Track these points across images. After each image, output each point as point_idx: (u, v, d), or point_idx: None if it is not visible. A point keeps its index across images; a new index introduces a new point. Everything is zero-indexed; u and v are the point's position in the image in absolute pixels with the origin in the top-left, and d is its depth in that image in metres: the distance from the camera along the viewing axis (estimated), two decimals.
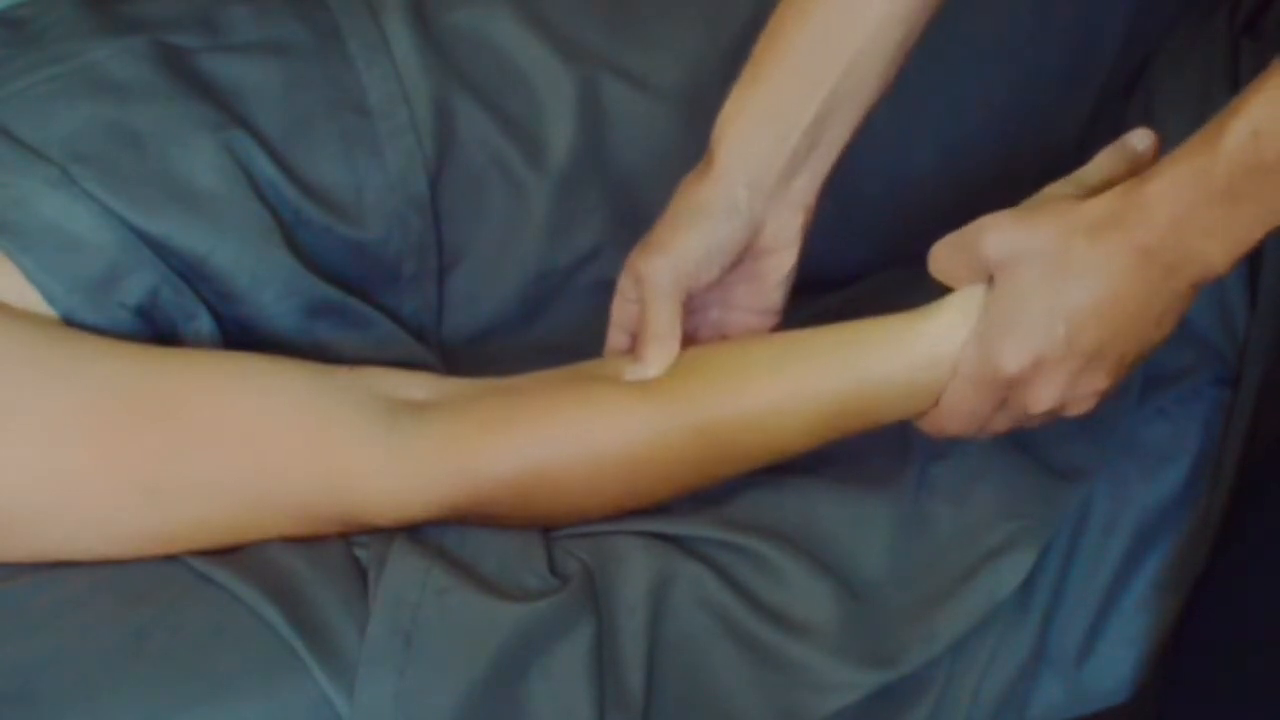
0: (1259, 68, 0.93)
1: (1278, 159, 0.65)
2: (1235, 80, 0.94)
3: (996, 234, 0.73)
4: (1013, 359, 0.72)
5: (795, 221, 0.81)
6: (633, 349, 0.81)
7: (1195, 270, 0.68)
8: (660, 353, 0.78)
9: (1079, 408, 0.73)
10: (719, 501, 0.81)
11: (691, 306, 0.81)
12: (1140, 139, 0.76)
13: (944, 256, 0.76)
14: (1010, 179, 0.99)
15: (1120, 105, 1.01)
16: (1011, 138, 0.99)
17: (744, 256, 0.81)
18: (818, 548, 0.80)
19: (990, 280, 0.74)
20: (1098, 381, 0.72)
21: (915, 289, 0.90)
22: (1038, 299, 0.71)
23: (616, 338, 0.83)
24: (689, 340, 0.81)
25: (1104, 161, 0.76)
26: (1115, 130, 1.00)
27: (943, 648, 0.79)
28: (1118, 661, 0.85)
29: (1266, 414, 0.86)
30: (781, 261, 0.82)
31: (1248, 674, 0.78)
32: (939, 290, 0.77)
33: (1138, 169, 0.73)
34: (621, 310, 0.82)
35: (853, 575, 0.80)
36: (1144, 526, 0.85)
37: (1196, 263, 0.68)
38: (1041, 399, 0.72)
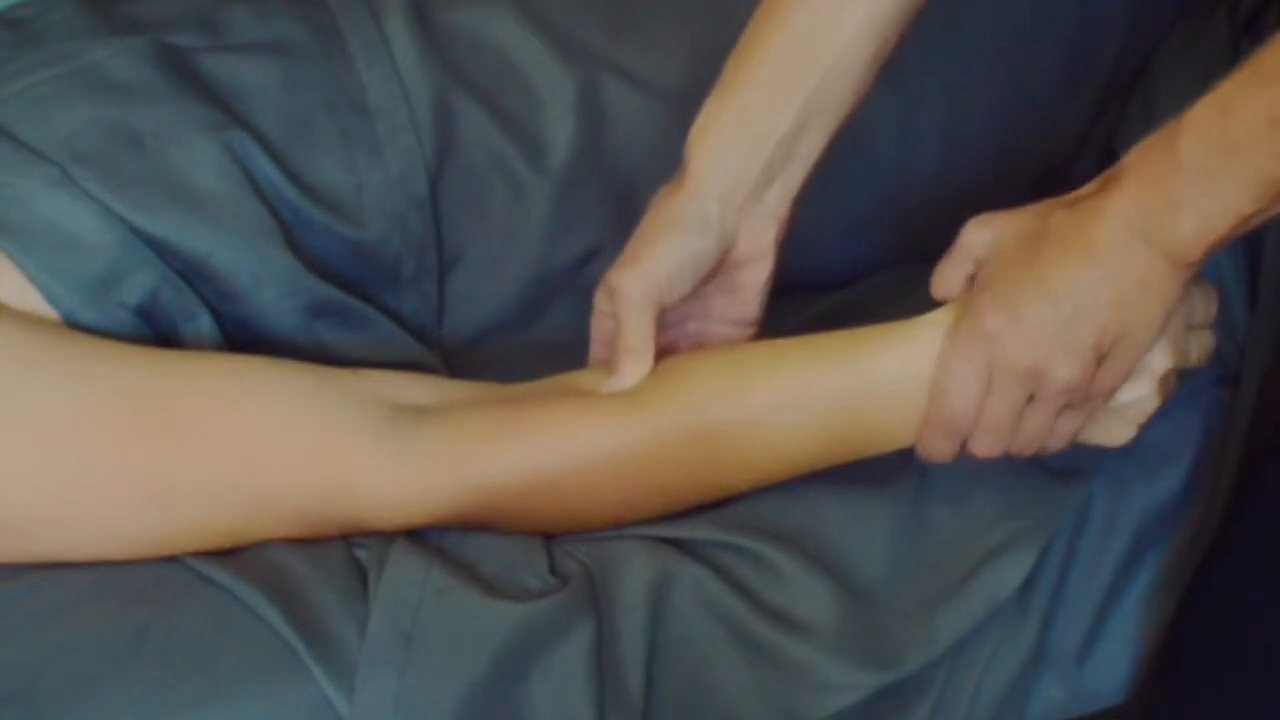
0: None
1: (1245, 136, 0.65)
2: None
3: (981, 226, 0.74)
4: (991, 313, 0.72)
5: (769, 234, 0.81)
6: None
7: (1167, 242, 0.69)
8: (634, 365, 0.79)
9: (1066, 369, 0.72)
10: (719, 502, 0.81)
11: (669, 319, 0.81)
12: None
13: (940, 271, 0.77)
14: (1010, 179, 0.99)
15: (1120, 105, 1.01)
16: (1011, 138, 0.99)
17: (719, 269, 0.81)
18: (818, 548, 0.80)
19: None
20: (1078, 355, 0.72)
21: (915, 289, 0.90)
22: (1017, 262, 0.72)
23: (598, 351, 0.83)
24: (668, 352, 0.81)
25: None
26: (1115, 130, 1.00)
27: (943, 648, 0.79)
28: (1117, 662, 0.84)
29: (1266, 414, 0.86)
30: (757, 273, 0.82)
31: (1245, 674, 0.78)
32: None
33: None
34: (599, 324, 0.82)
35: (853, 576, 0.80)
36: (1144, 526, 0.85)
37: (1167, 234, 0.68)
38: (1022, 354, 0.72)
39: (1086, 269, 0.70)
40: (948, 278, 0.76)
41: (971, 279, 0.75)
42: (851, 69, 0.79)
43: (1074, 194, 0.72)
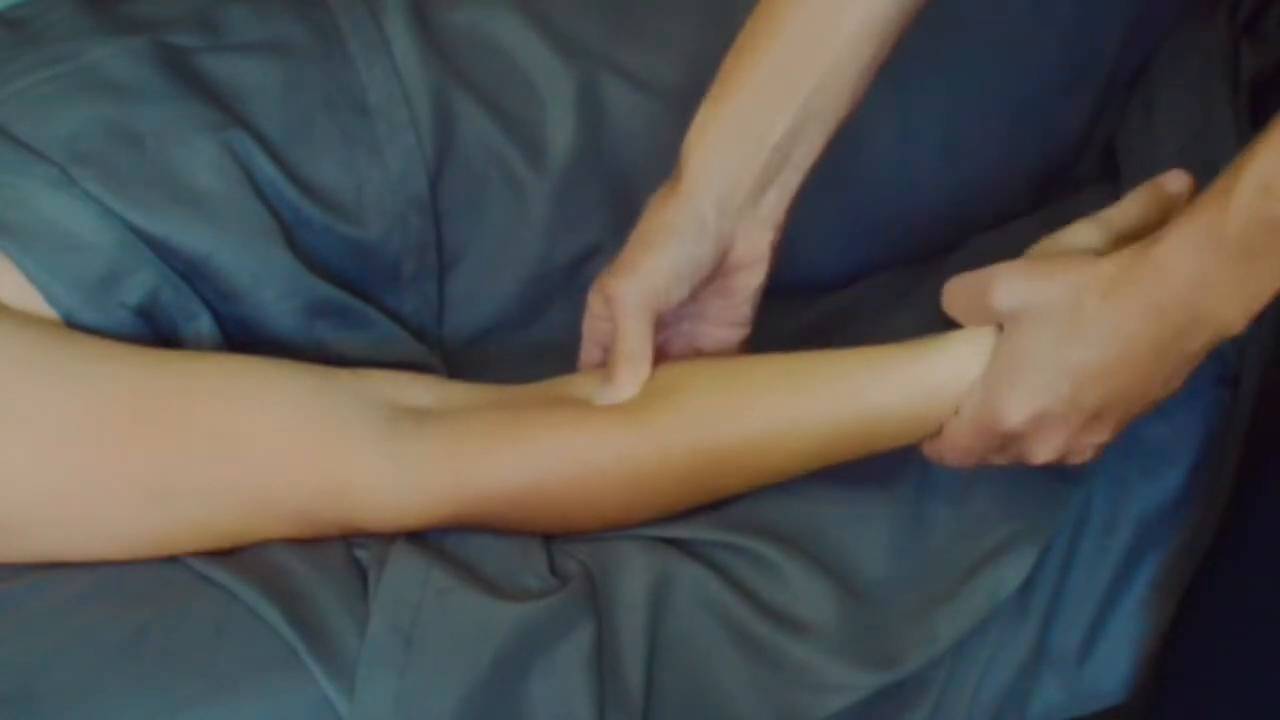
0: (1259, 68, 0.94)
1: None
2: (1235, 80, 0.94)
3: (1008, 286, 0.72)
4: (1015, 412, 0.72)
5: (765, 239, 0.80)
6: (604, 366, 0.81)
7: (1209, 333, 0.68)
8: (632, 374, 0.78)
9: (1078, 459, 0.74)
10: (719, 502, 0.81)
11: (663, 321, 0.81)
12: (1174, 181, 0.75)
13: (956, 295, 0.76)
14: (1010, 179, 0.99)
15: (1120, 105, 1.01)
16: (1011, 138, 0.99)
17: (715, 273, 0.80)
18: (818, 548, 0.80)
19: (1000, 328, 0.74)
20: (1099, 436, 0.73)
21: (914, 290, 0.90)
22: (1045, 355, 0.71)
23: (590, 353, 0.83)
24: (661, 354, 0.81)
25: (1134, 203, 0.76)
26: (1115, 130, 1.01)
27: (943, 648, 0.79)
28: (1118, 661, 0.85)
29: (1266, 414, 0.86)
30: (751, 278, 0.81)
31: (1244, 674, 0.78)
32: (938, 293, 0.77)
33: (1170, 210, 0.72)
34: (593, 327, 0.82)
35: (853, 575, 0.80)
36: (1144, 526, 0.85)
37: (1211, 325, 0.68)
38: (1040, 452, 0.73)
39: (1117, 375, 0.70)
40: (966, 307, 0.75)
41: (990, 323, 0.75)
42: (850, 71, 0.78)
43: (1107, 271, 0.69)
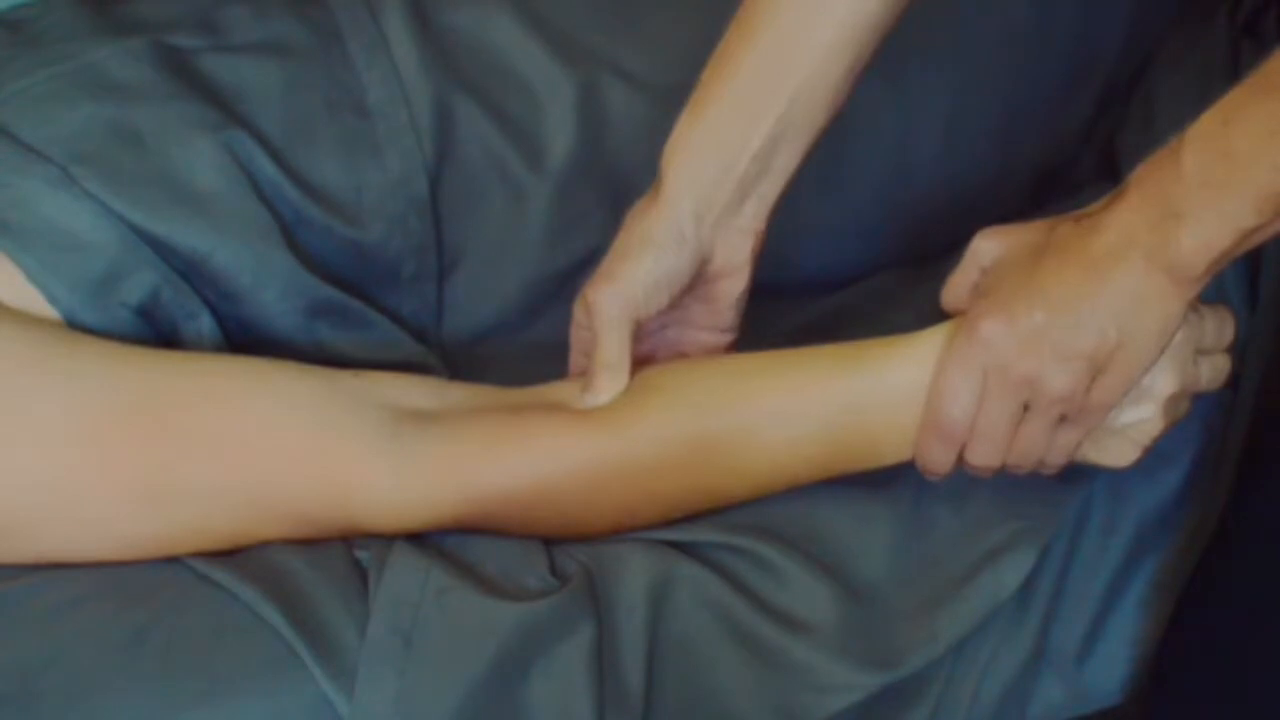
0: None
1: (1245, 148, 0.65)
2: (1235, 80, 0.94)
3: (989, 237, 0.74)
4: (987, 318, 0.72)
5: (745, 247, 0.81)
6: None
7: (1168, 256, 0.68)
8: (611, 381, 0.79)
9: (1059, 378, 0.71)
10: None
11: (649, 327, 0.81)
12: None
13: (949, 283, 0.77)
14: (1010, 179, 0.99)
15: (1120, 105, 1.01)
16: (1011, 138, 0.99)
17: (695, 281, 0.81)
18: (818, 549, 0.80)
19: None
20: (1073, 354, 0.71)
21: (914, 290, 0.90)
22: (1017, 271, 0.72)
23: (578, 361, 0.83)
24: (648, 360, 0.81)
25: None
26: (1115, 130, 1.01)
27: (943, 648, 0.79)
28: (1118, 661, 0.85)
29: (1266, 414, 0.86)
30: (732, 285, 0.82)
31: (1243, 674, 0.78)
32: (937, 294, 0.77)
33: None
34: (578, 336, 0.83)
35: (853, 576, 0.80)
36: (1144, 527, 0.85)
37: (1168, 247, 0.68)
38: (1015, 360, 0.71)
39: (1083, 280, 0.70)
40: (956, 288, 0.76)
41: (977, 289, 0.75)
42: (828, 79, 0.78)
43: (1082, 210, 0.72)
